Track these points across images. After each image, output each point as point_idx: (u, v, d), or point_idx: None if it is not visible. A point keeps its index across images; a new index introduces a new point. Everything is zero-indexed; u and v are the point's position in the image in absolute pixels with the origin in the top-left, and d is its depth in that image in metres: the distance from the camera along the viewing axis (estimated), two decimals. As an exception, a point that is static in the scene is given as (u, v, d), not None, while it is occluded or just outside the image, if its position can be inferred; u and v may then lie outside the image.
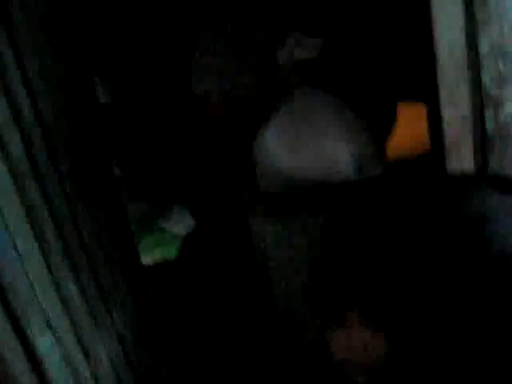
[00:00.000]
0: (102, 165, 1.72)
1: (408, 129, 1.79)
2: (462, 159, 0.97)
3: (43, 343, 1.21)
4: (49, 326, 1.25)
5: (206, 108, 2.06)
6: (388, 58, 1.80)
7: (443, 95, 0.94)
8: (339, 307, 1.04)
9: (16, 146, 1.19)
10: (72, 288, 1.37)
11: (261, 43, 2.02)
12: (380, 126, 1.84)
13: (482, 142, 0.96)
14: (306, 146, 1.77)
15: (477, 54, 0.91)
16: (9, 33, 1.22)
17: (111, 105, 2.64)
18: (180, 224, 2.28)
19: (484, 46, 0.90)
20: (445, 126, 0.96)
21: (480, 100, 0.94)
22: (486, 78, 0.92)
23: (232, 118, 2.06)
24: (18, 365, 1.13)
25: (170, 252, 2.20)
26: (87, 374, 1.39)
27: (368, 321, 1.02)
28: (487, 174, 0.98)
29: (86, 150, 1.57)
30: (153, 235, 2.28)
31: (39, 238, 1.23)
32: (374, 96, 1.86)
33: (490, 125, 0.94)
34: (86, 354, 1.41)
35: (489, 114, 0.94)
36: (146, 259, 2.18)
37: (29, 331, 1.16)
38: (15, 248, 1.15)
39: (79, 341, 1.38)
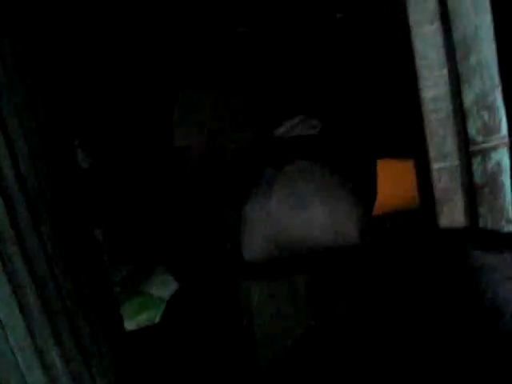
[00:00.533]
0: (84, 228, 1.70)
1: (392, 185, 1.80)
2: (452, 212, 0.97)
3: (25, 417, 1.15)
4: (32, 396, 1.19)
5: (187, 162, 2.06)
6: (373, 115, 1.84)
7: (432, 149, 0.95)
8: None
9: (-1, 211, 1.17)
10: (55, 355, 1.32)
11: (247, 100, 2.05)
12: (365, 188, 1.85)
13: (472, 193, 0.97)
14: (307, 213, 1.75)
15: (461, 106, 0.93)
16: None
17: (91, 168, 2.64)
18: (163, 287, 2.25)
19: (468, 99, 0.92)
20: (434, 179, 0.96)
21: (467, 151, 0.95)
22: (472, 130, 0.93)
23: (215, 173, 2.06)
24: None
25: (154, 316, 2.16)
26: None
27: None
28: (476, 229, 0.98)
29: (68, 214, 1.55)
30: (136, 299, 2.23)
31: (21, 302, 1.20)
32: (358, 157, 1.89)
33: (478, 175, 0.95)
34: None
35: (476, 164, 0.95)
36: (130, 324, 2.13)
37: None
38: None
39: None
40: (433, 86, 0.92)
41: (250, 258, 1.86)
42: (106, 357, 1.61)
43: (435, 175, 0.95)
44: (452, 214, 0.97)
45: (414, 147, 1.00)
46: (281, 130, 1.92)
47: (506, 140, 0.94)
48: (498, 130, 0.94)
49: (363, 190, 1.79)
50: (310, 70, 1.99)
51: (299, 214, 1.71)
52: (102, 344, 1.59)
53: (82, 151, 2.61)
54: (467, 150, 0.95)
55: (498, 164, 0.95)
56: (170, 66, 2.40)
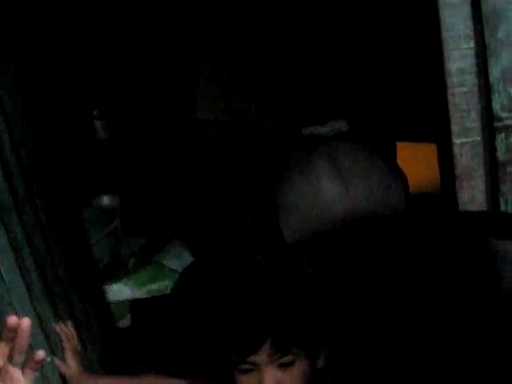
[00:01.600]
0: (68, 200, 1.73)
1: (412, 168, 1.78)
2: (473, 188, 0.95)
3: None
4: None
5: (208, 136, 2.04)
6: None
7: (454, 123, 0.93)
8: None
9: None
10: (52, 321, 1.37)
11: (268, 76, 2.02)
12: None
13: (494, 170, 0.95)
14: (351, 188, 1.72)
15: (487, 80, 0.90)
16: None
17: (109, 140, 2.63)
18: (177, 259, 2.25)
19: (494, 73, 0.90)
20: (456, 154, 0.94)
21: (491, 127, 0.92)
22: (496, 105, 0.91)
23: (234, 147, 2.04)
24: None
25: (166, 286, 2.17)
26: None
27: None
28: (496, 213, 0.96)
29: (58, 190, 1.59)
30: (149, 269, 2.24)
31: (21, 268, 1.24)
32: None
33: (501, 151, 0.93)
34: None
35: (500, 140, 0.92)
36: (142, 292, 2.15)
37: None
38: (1, 275, 1.13)
39: (60, 375, 1.38)
40: (458, 58, 0.90)
41: (292, 240, 1.82)
42: (93, 327, 1.65)
43: (457, 150, 0.93)
44: (472, 191, 0.95)
45: (436, 122, 0.98)
46: (309, 130, 1.88)
47: (532, 117, 0.92)
48: (524, 106, 0.91)
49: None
50: (335, 58, 1.97)
51: (342, 190, 1.68)
52: (90, 316, 1.64)
53: (101, 121, 2.60)
54: (491, 125, 0.92)
55: (522, 141, 0.93)
56: (196, 37, 2.38)
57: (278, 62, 2.00)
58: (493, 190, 0.95)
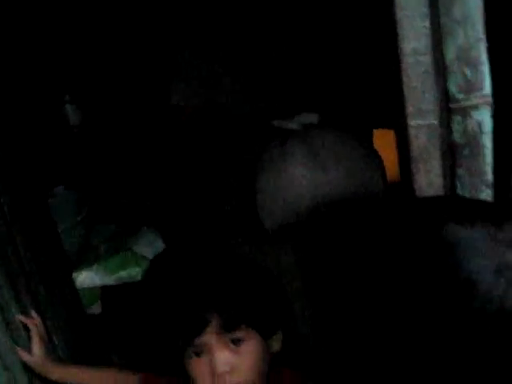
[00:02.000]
0: (34, 191, 1.70)
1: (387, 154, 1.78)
2: (429, 172, 0.94)
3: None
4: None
5: (182, 121, 2.02)
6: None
7: (409, 104, 0.91)
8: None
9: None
10: (13, 309, 1.34)
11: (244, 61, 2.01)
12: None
13: (451, 154, 0.93)
14: (328, 174, 1.71)
15: (443, 61, 0.88)
16: None
17: (81, 125, 2.59)
18: (149, 246, 2.23)
19: (450, 54, 0.87)
20: (412, 136, 0.92)
21: (448, 109, 0.90)
22: (452, 86, 0.89)
23: (212, 136, 2.02)
24: None
25: (136, 273, 2.15)
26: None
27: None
28: (453, 198, 0.94)
29: (23, 180, 1.56)
30: (119, 256, 2.22)
31: None
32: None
33: (457, 135, 0.91)
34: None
35: (456, 123, 0.90)
36: (112, 278, 2.13)
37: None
38: None
39: (23, 364, 1.35)
40: (413, 38, 0.87)
41: (271, 226, 1.82)
42: (60, 316, 1.63)
43: (412, 132, 0.91)
44: (429, 174, 0.93)
45: (393, 104, 0.96)
46: (279, 123, 1.86)
47: (489, 99, 0.90)
48: (481, 87, 0.89)
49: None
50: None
51: (319, 176, 1.67)
52: (56, 304, 1.61)
53: (72, 106, 2.56)
54: (447, 107, 0.90)
55: (479, 124, 0.90)
56: (170, 23, 2.34)
57: (251, 53, 2.00)
58: (450, 174, 0.93)
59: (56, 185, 2.23)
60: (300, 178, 1.69)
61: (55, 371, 1.38)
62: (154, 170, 2.46)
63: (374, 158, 1.73)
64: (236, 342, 1.08)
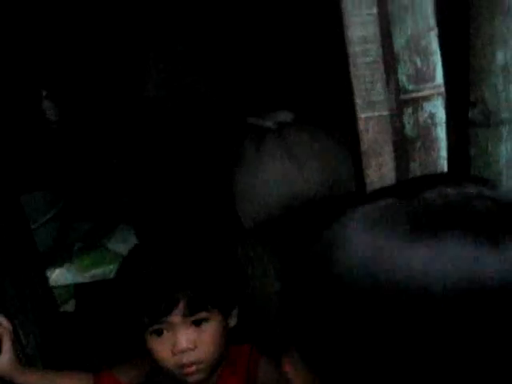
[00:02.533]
0: (5, 186, 1.67)
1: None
2: (381, 166, 0.90)
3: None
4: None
5: (156, 114, 1.99)
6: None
7: (358, 96, 0.87)
8: None
9: None
10: None
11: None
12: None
13: (403, 147, 0.89)
14: (304, 171, 1.69)
15: (392, 50, 0.84)
16: None
17: (58, 121, 2.56)
18: (123, 243, 2.21)
19: (399, 42, 0.84)
20: (361, 130, 0.88)
21: (398, 100, 0.87)
22: (402, 77, 0.85)
23: (186, 130, 1.99)
24: None
25: (110, 270, 2.13)
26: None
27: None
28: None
29: None
30: (93, 253, 2.20)
31: None
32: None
33: (409, 127, 0.87)
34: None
35: (408, 115, 0.87)
36: (85, 276, 2.11)
37: None
38: None
39: None
40: (360, 25, 0.83)
41: (249, 225, 1.82)
42: (30, 316, 1.60)
43: (362, 125, 0.88)
44: (380, 169, 0.90)
45: (342, 96, 0.92)
46: (252, 120, 1.82)
47: (442, 89, 0.86)
48: (432, 77, 0.85)
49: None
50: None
51: (295, 172, 1.66)
52: (26, 301, 1.59)
53: (50, 102, 2.53)
54: (398, 98, 0.87)
55: (432, 115, 0.87)
56: (144, 16, 2.31)
57: (224, 48, 1.98)
58: (403, 168, 0.90)
59: (31, 181, 2.21)
60: (276, 176, 1.67)
61: (20, 377, 1.35)
62: (131, 167, 2.43)
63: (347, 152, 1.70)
64: (199, 322, 1.15)
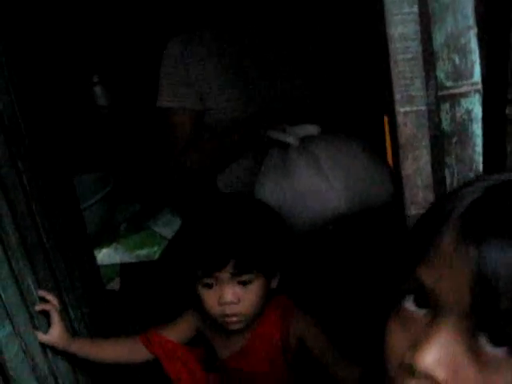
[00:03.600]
0: (58, 163, 1.74)
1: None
2: (418, 159, 0.93)
3: (2, 332, 1.21)
4: (8, 316, 1.24)
5: (171, 124, 1.90)
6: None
7: (398, 91, 0.90)
8: None
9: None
10: (30, 281, 1.37)
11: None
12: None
13: (440, 142, 0.92)
14: (337, 181, 1.64)
15: (432, 47, 0.87)
16: None
17: (109, 106, 2.64)
18: (168, 226, 2.28)
19: (438, 40, 0.87)
20: (400, 123, 0.92)
21: (436, 96, 0.90)
22: (440, 73, 0.88)
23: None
24: None
25: (154, 252, 2.20)
26: (45, 369, 1.38)
27: None
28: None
29: (43, 151, 1.60)
30: (139, 235, 2.28)
31: None
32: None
33: (446, 122, 0.90)
34: (44, 348, 1.40)
35: (445, 111, 0.90)
36: (131, 256, 2.19)
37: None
38: None
39: (36, 335, 1.38)
40: (401, 23, 0.87)
41: None
42: (78, 289, 1.68)
43: (400, 119, 0.91)
44: (417, 162, 0.93)
45: (383, 91, 0.95)
46: (279, 136, 1.73)
47: (479, 86, 0.89)
48: (470, 75, 0.88)
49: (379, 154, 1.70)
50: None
51: (323, 186, 1.60)
52: (75, 279, 1.66)
53: (101, 87, 2.62)
54: (436, 94, 0.90)
55: (469, 112, 0.90)
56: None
57: (244, 50, 1.86)
58: (439, 162, 0.93)
59: (83, 164, 2.30)
60: (304, 190, 1.60)
61: (71, 347, 1.45)
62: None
63: (382, 166, 1.65)
64: (244, 282, 1.31)
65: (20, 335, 1.29)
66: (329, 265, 1.71)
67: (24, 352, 1.31)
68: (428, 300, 0.60)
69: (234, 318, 1.34)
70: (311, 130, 1.64)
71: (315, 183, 1.60)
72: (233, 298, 1.31)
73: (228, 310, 1.32)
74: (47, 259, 1.52)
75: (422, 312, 0.61)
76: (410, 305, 0.63)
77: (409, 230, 0.77)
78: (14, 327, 1.27)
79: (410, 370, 0.57)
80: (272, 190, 1.65)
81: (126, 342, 1.52)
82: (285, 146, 1.63)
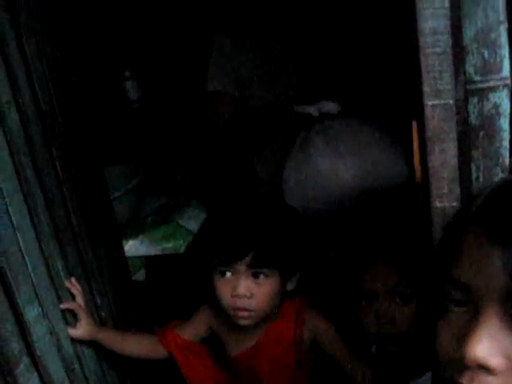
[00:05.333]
0: (90, 153, 1.78)
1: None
2: (444, 151, 0.94)
3: (31, 312, 1.24)
4: (37, 297, 1.27)
5: (217, 107, 2.08)
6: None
7: (426, 84, 0.92)
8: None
9: (13, 122, 1.25)
10: (59, 266, 1.41)
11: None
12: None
13: (467, 135, 0.93)
14: (353, 162, 1.75)
15: (461, 41, 0.89)
16: (12, 18, 1.27)
17: (139, 100, 2.69)
18: (194, 220, 2.31)
19: (468, 35, 0.88)
20: (428, 116, 0.93)
21: (464, 90, 0.91)
22: (469, 68, 0.89)
23: (242, 120, 2.07)
24: (7, 327, 1.14)
25: (180, 245, 2.23)
26: (71, 350, 1.41)
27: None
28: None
29: (76, 141, 1.64)
30: (165, 227, 2.31)
31: (31, 210, 1.28)
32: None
33: (473, 116, 0.92)
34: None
35: (473, 104, 0.91)
36: (157, 249, 2.23)
37: (18, 298, 1.18)
38: (9, 215, 1.18)
39: (64, 317, 1.41)
40: (432, 17, 0.88)
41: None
42: (105, 280, 1.71)
43: (428, 112, 0.92)
44: (444, 155, 0.94)
45: (412, 85, 0.97)
46: (303, 109, 1.89)
47: (508, 81, 0.90)
48: (499, 69, 0.89)
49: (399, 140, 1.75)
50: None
51: (340, 167, 1.71)
52: (102, 266, 1.70)
53: (132, 82, 2.67)
54: (464, 88, 0.91)
55: (496, 106, 0.91)
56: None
57: (280, 38, 2.05)
58: (465, 155, 0.94)
59: (114, 156, 2.35)
60: (323, 171, 1.72)
61: (97, 337, 1.50)
62: (205, 149, 2.54)
63: (399, 149, 1.72)
64: (259, 277, 1.31)
65: (48, 317, 1.32)
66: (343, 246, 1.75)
67: (51, 334, 1.34)
68: (468, 297, 0.63)
69: (245, 313, 1.34)
70: (332, 106, 1.80)
71: (333, 163, 1.70)
72: (246, 291, 1.31)
73: (239, 303, 1.32)
74: (77, 245, 1.56)
75: (464, 310, 0.64)
76: (451, 305, 0.66)
77: (440, 234, 0.79)
78: (42, 309, 1.30)
79: (463, 364, 0.60)
80: (295, 172, 1.78)
81: (147, 338, 1.56)
82: (309, 124, 1.78)
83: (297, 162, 1.80)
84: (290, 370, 1.47)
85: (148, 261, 2.26)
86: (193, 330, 1.55)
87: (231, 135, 2.08)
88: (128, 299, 1.90)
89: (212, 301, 1.46)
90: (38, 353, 1.26)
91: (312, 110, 1.79)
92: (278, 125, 1.96)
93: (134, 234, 2.26)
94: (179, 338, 1.53)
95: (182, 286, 2.02)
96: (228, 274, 1.33)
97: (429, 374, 1.21)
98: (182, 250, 2.23)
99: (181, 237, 2.25)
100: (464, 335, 0.61)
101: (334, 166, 1.73)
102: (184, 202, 2.46)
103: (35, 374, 1.25)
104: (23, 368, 1.20)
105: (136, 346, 1.55)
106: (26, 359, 1.21)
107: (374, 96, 1.85)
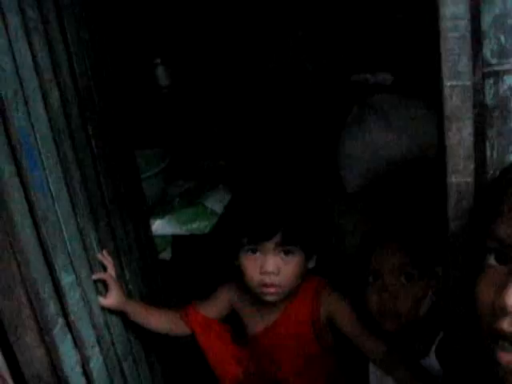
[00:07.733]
0: (122, 134, 1.86)
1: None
2: (461, 130, 1.00)
3: (66, 279, 1.31)
4: (72, 265, 1.34)
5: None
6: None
7: (445, 66, 0.97)
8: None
9: (54, 100, 1.32)
10: (93, 238, 1.48)
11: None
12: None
13: (482, 115, 0.99)
14: (404, 134, 1.86)
15: (480, 26, 0.95)
16: (55, 1, 1.35)
17: (170, 86, 2.76)
18: (220, 203, 2.38)
19: (486, 20, 0.94)
20: (446, 96, 0.99)
21: (481, 72, 0.97)
22: (487, 51, 0.95)
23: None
24: (45, 289, 1.21)
25: (205, 226, 2.30)
26: (101, 320, 1.48)
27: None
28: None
29: (111, 122, 1.71)
30: (192, 209, 2.38)
31: (68, 184, 1.36)
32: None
33: (489, 97, 0.97)
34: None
35: (489, 86, 0.97)
36: (183, 229, 2.30)
37: (56, 264, 1.25)
38: (48, 185, 1.25)
39: (95, 286, 1.48)
40: (452, 3, 0.94)
41: (351, 190, 1.99)
42: (134, 256, 1.78)
43: (447, 92, 0.98)
44: (460, 133, 1.00)
45: (432, 66, 1.03)
46: (358, 77, 2.00)
47: (522, 65, 0.95)
48: (514, 54, 0.95)
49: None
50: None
51: (392, 139, 1.83)
52: (132, 242, 1.77)
53: (163, 69, 2.74)
54: (481, 71, 0.97)
55: (511, 88, 0.96)
56: None
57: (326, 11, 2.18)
58: (480, 134, 1.00)
59: (145, 139, 2.42)
60: (376, 143, 1.84)
61: (125, 307, 1.55)
62: (235, 133, 2.60)
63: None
64: (287, 253, 1.39)
65: (81, 285, 1.40)
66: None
67: (84, 301, 1.41)
68: (508, 256, 0.71)
69: (272, 289, 1.41)
70: (385, 76, 1.98)
71: (384, 135, 1.80)
72: (274, 268, 1.38)
73: (268, 279, 1.39)
74: (109, 221, 1.63)
75: (504, 268, 0.72)
76: (492, 262, 0.74)
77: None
78: (76, 277, 1.37)
79: (503, 312, 0.67)
80: (349, 145, 1.93)
81: (170, 314, 1.63)
82: (361, 105, 1.88)
83: (352, 137, 1.91)
84: (308, 345, 1.53)
85: (174, 240, 2.33)
86: (214, 307, 1.61)
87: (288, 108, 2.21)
88: (154, 276, 1.97)
89: (234, 279, 1.52)
90: (72, 317, 1.33)
91: (369, 77, 1.95)
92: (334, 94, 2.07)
93: (161, 214, 2.34)
94: (200, 315, 1.59)
95: (206, 266, 2.09)
96: (257, 253, 1.40)
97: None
98: (207, 230, 2.30)
99: (206, 218, 2.32)
100: (503, 287, 0.68)
101: (388, 140, 1.84)
102: (210, 185, 2.54)
103: (69, 335, 1.31)
104: (59, 329, 1.26)
105: (159, 320, 1.61)
106: (61, 321, 1.28)
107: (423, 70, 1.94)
